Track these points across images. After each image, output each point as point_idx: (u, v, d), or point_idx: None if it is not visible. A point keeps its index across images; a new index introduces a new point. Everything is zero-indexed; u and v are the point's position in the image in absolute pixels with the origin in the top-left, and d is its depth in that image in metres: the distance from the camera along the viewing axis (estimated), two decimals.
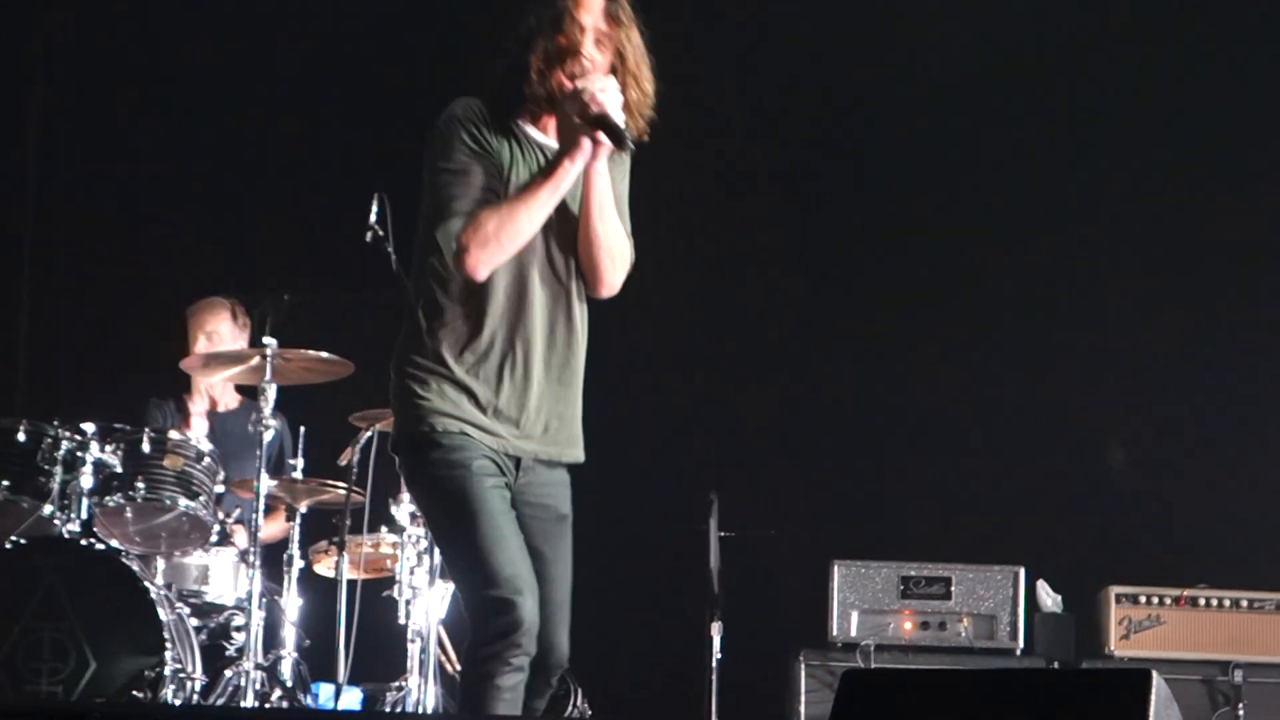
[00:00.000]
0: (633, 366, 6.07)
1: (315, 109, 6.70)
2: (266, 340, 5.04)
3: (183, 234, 6.63)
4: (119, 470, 5.11)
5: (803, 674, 5.36)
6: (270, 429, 5.06)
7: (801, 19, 6.34)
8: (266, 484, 5.01)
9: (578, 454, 3.61)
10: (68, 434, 5.10)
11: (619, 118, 3.21)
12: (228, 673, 5.15)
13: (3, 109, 6.69)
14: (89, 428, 5.09)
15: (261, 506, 4.92)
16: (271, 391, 5.02)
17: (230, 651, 5.21)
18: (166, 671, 4.95)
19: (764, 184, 6.53)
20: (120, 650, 5.05)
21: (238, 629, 5.22)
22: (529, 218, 3.23)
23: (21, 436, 5.14)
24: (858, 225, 6.44)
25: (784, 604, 5.65)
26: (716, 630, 5.19)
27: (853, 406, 6.14)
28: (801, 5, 6.40)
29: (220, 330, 5.66)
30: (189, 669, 5.07)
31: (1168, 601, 5.48)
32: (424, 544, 5.22)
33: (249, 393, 5.46)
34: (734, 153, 6.56)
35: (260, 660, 5.04)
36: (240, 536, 5.11)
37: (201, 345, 5.56)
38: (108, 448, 5.09)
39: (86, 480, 5.10)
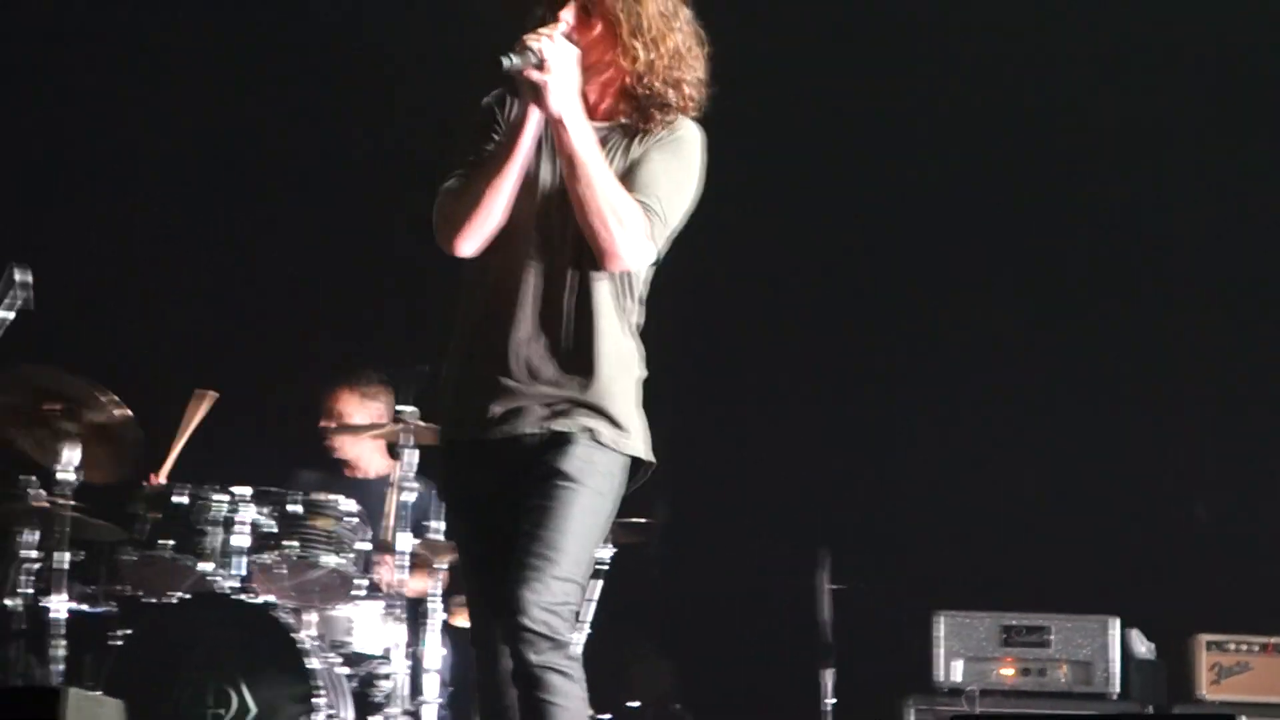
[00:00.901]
0: (750, 428, 6.41)
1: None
2: (406, 409, 5.33)
3: (327, 308, 6.98)
4: (273, 530, 5.38)
5: (912, 718, 5.61)
6: (412, 491, 5.33)
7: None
8: (409, 543, 5.26)
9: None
10: (225, 498, 5.38)
11: (521, 54, 2.96)
12: (376, 718, 5.36)
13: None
14: (245, 491, 5.38)
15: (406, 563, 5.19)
16: (412, 456, 5.29)
17: (378, 698, 5.43)
18: (321, 717, 5.17)
19: (869, 244, 6.68)
20: (276, 697, 5.25)
21: (383, 677, 5.44)
22: (485, 180, 3.08)
23: (184, 500, 5.40)
24: (960, 287, 6.59)
25: (890, 651, 5.84)
26: (829, 676, 5.46)
27: (952, 468, 6.32)
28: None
29: (347, 409, 6.03)
30: (341, 713, 5.29)
31: (1255, 648, 5.68)
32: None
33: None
34: (836, 201, 6.68)
35: (407, 706, 5.27)
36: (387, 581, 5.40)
37: (348, 416, 5.98)
38: (262, 510, 5.37)
39: (243, 540, 5.35)
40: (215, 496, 5.43)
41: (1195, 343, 6.35)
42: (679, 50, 3.19)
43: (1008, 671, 5.66)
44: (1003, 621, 5.68)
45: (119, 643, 5.36)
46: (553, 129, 3.04)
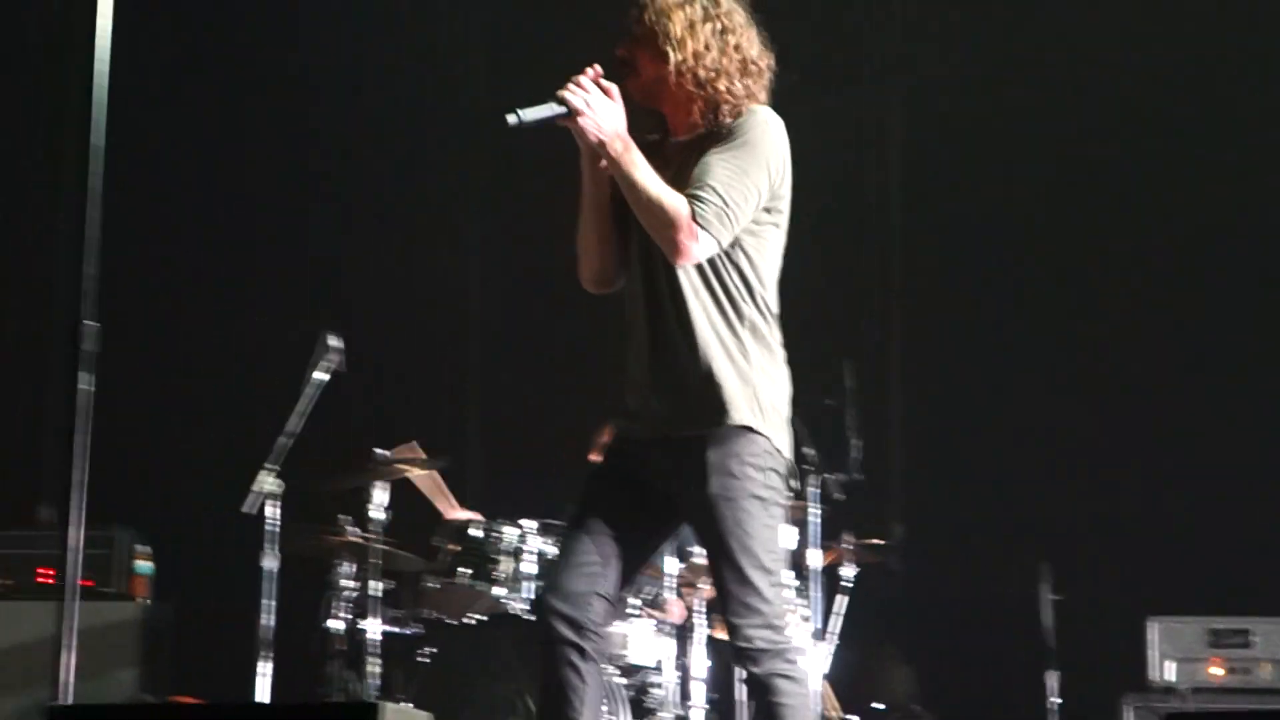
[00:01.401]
0: (977, 452, 6.82)
1: None
2: None
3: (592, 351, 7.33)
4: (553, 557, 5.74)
5: (1131, 716, 5.94)
6: None
7: None
8: (676, 566, 5.65)
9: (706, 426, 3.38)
10: (516, 530, 5.72)
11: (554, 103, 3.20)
12: None
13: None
14: (531, 524, 5.74)
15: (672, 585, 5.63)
16: None
17: (651, 704, 5.73)
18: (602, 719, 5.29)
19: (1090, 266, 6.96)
20: None
21: (655, 685, 5.74)
22: (578, 228, 3.46)
23: (479, 533, 5.75)
24: (1172, 297, 6.81)
25: (1108, 655, 6.17)
26: (1053, 678, 5.93)
27: (1160, 484, 6.63)
28: None
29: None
30: (619, 718, 5.50)
31: None
32: (803, 611, 5.88)
33: None
34: (1064, 225, 6.95)
35: (678, 711, 5.62)
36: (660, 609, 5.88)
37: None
38: (547, 540, 5.71)
39: (531, 567, 5.69)
40: (506, 529, 5.76)
41: None
42: (704, 50, 3.33)
43: (1216, 671, 5.94)
44: (1210, 625, 5.96)
45: (425, 660, 5.69)
46: (596, 163, 3.30)
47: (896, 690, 6.88)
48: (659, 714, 5.62)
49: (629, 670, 5.84)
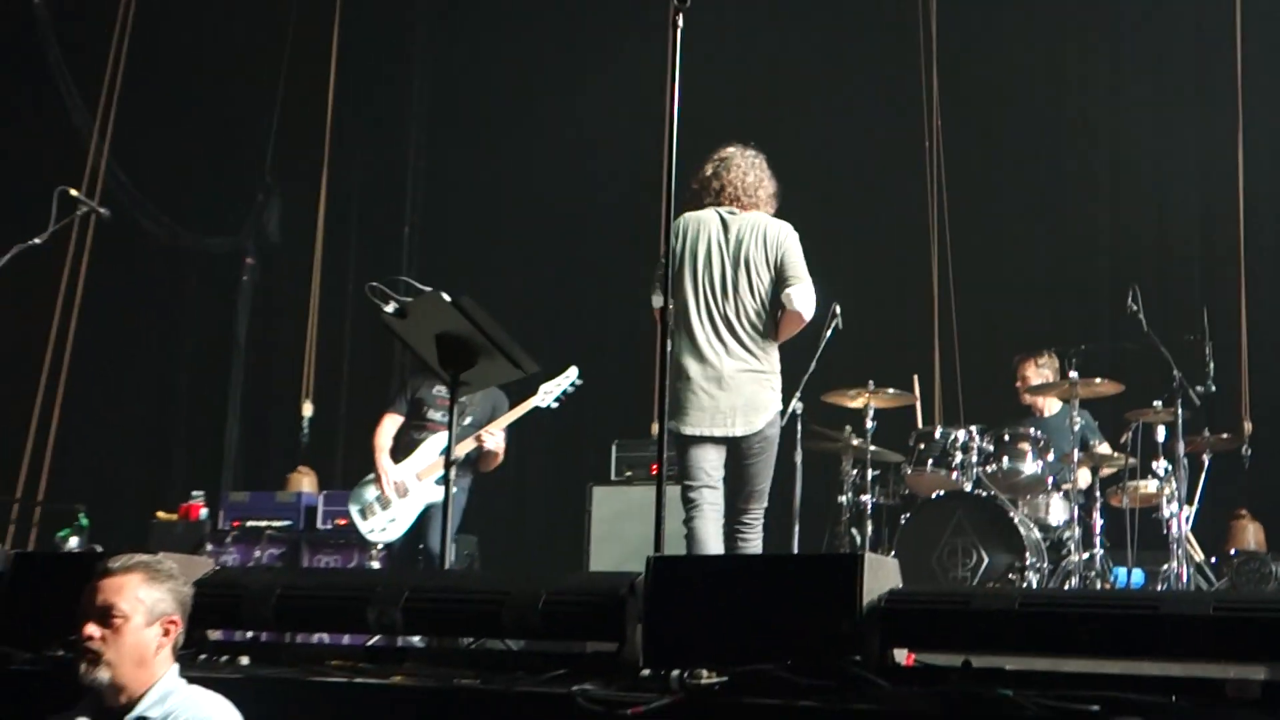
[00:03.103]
0: None
1: None
2: (1071, 374, 7.08)
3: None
4: (992, 452, 7.12)
5: None
6: (1079, 423, 6.99)
7: None
8: (1077, 456, 6.90)
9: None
10: (963, 432, 7.05)
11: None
12: (1063, 563, 6.82)
13: None
14: (974, 428, 7.10)
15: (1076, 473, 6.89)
16: (1075, 403, 7.05)
17: (1062, 551, 6.91)
18: (1028, 562, 6.71)
19: None
20: (1001, 552, 6.81)
21: (1068, 539, 6.88)
22: None
23: (938, 433, 7.14)
24: None
25: None
26: None
27: None
28: None
29: (1027, 374, 7.77)
30: (1039, 563, 6.76)
31: None
32: (1176, 485, 6.93)
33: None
34: None
35: (1081, 556, 6.73)
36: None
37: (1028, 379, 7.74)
38: (985, 438, 7.05)
39: (974, 456, 7.03)
40: (957, 432, 7.19)
41: None
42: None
43: None
44: None
45: (903, 524, 7.06)
46: None
47: (1245, 541, 7.74)
48: (1069, 557, 6.85)
49: (1045, 528, 7.13)
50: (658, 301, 4.82)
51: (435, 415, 7.21)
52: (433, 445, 7.16)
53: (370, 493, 7.17)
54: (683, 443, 5.61)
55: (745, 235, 5.67)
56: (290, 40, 10.26)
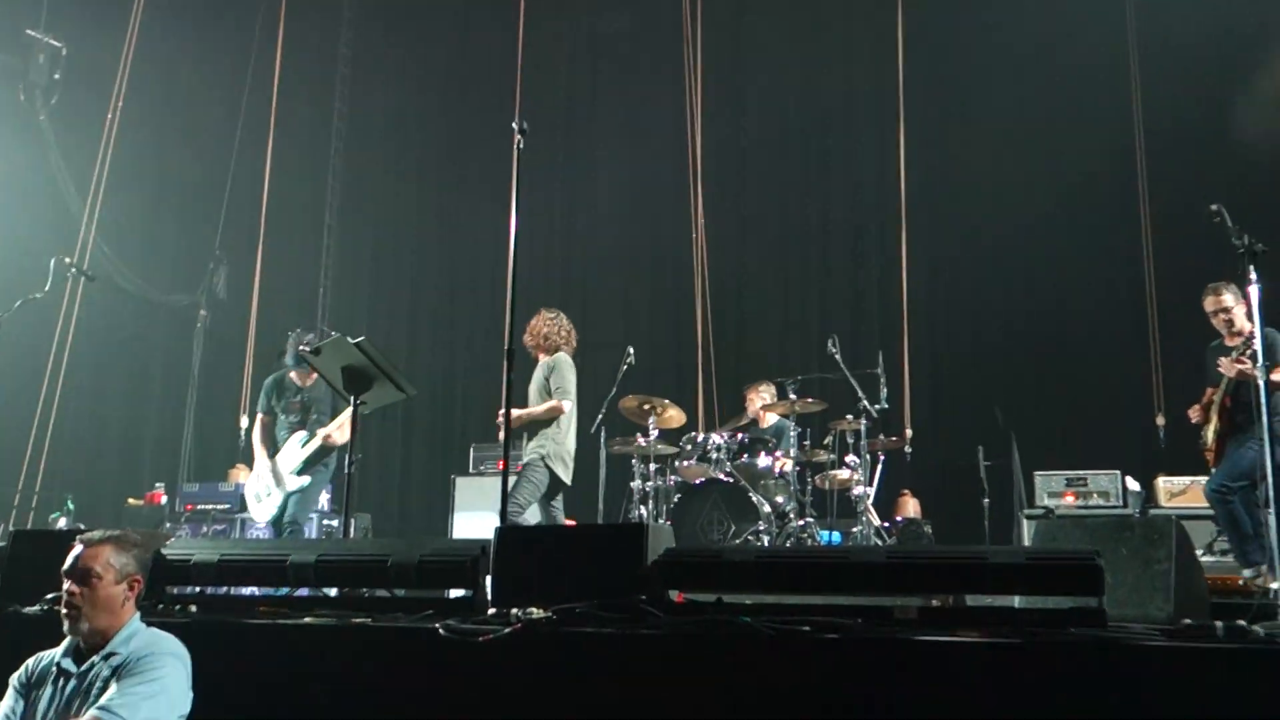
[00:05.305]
0: None
1: None
2: (791, 395, 6.84)
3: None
4: (736, 449, 6.85)
5: None
6: (795, 430, 6.79)
7: None
8: (794, 454, 6.73)
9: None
10: (714, 435, 6.92)
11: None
12: (785, 528, 6.52)
13: None
14: (724, 432, 7.29)
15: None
16: (793, 417, 6.82)
17: (787, 519, 6.64)
18: (761, 528, 6.36)
19: None
20: (744, 521, 6.41)
21: (789, 511, 6.61)
22: None
23: (700, 437, 7.10)
24: None
25: None
26: None
27: None
28: None
29: (752, 396, 7.52)
30: (770, 529, 6.33)
31: None
32: (861, 472, 6.76)
33: None
34: None
35: (798, 524, 6.58)
36: None
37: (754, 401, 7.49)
38: (732, 440, 7.31)
39: (725, 454, 6.74)
40: (714, 435, 6.86)
41: None
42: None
43: None
44: None
45: (675, 502, 6.74)
46: None
47: (908, 511, 7.70)
48: (790, 523, 6.59)
49: (776, 508, 6.81)
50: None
51: (292, 418, 6.74)
52: (294, 443, 6.62)
53: (257, 483, 6.70)
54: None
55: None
56: (235, 153, 10.23)
